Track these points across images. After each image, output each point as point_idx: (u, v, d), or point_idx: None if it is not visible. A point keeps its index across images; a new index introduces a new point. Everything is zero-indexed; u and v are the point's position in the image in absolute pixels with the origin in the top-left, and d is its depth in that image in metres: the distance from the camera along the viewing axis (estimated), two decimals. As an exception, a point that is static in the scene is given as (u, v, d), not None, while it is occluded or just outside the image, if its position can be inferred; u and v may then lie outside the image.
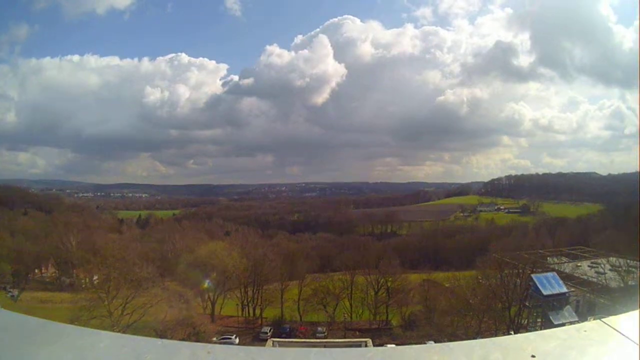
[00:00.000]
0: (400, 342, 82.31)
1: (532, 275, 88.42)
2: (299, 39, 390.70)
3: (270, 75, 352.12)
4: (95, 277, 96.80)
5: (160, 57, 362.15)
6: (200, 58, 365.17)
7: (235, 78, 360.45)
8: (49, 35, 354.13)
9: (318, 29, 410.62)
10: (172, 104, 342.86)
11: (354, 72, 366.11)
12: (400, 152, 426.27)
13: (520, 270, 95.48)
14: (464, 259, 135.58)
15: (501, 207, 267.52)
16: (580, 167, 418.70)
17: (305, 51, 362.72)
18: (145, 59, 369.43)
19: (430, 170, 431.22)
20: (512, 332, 74.20)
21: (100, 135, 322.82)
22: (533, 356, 3.88)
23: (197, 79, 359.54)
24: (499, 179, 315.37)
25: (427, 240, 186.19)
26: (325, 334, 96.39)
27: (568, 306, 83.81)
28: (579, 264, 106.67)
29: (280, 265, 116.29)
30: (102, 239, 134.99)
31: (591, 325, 4.53)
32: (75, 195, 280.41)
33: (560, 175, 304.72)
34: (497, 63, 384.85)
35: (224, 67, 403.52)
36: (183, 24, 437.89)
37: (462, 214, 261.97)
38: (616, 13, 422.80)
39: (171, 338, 62.42)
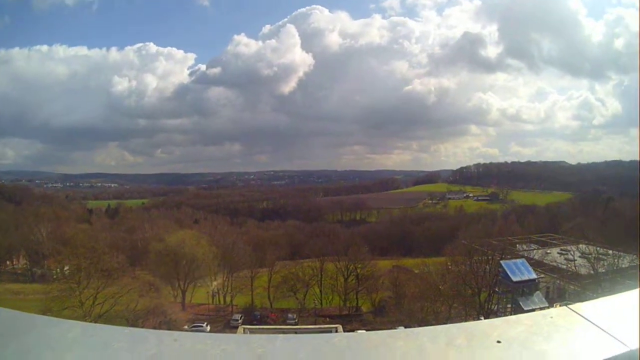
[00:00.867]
0: (370, 328, 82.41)
1: (502, 262, 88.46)
2: (266, 28, 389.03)
3: (237, 65, 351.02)
4: (66, 268, 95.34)
5: (129, 47, 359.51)
6: (169, 48, 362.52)
7: (203, 67, 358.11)
8: (18, 25, 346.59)
9: (286, 19, 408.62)
10: (140, 94, 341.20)
11: (322, 62, 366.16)
12: (368, 140, 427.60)
13: (490, 257, 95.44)
14: (433, 246, 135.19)
15: (470, 195, 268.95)
16: (549, 156, 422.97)
17: (273, 41, 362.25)
18: (114, 49, 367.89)
19: (398, 158, 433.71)
20: (482, 318, 74.77)
21: (68, 125, 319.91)
22: (498, 341, 3.92)
23: (165, 69, 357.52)
24: (467, 167, 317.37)
25: (396, 227, 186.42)
26: (296, 320, 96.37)
27: (538, 292, 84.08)
28: (548, 251, 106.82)
29: (249, 252, 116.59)
30: (71, 229, 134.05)
31: (557, 311, 4.53)
32: (45, 185, 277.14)
33: (529, 163, 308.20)
34: (464, 54, 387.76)
35: (192, 57, 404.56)
36: (151, 13, 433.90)
37: (430, 202, 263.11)
38: (586, 6, 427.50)
39: (142, 327, 62.12)
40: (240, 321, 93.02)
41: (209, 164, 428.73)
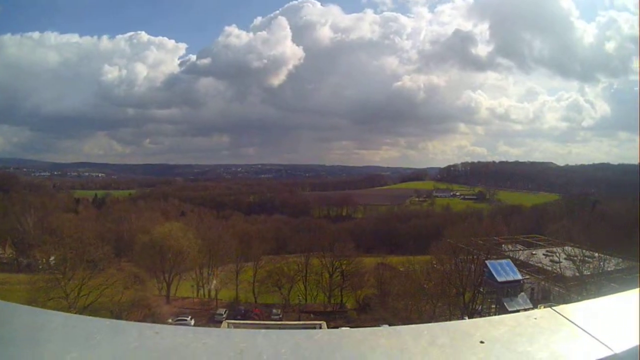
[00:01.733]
0: (354, 326, 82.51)
1: (487, 262, 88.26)
2: (258, 20, 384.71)
3: (227, 56, 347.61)
4: (52, 258, 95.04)
5: (120, 35, 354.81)
6: (160, 37, 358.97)
7: (193, 58, 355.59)
8: (10, 12, 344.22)
9: (278, 11, 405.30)
10: (130, 83, 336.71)
11: (312, 55, 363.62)
12: (357, 135, 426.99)
13: (475, 257, 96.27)
14: (418, 244, 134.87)
15: (457, 193, 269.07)
16: (537, 156, 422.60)
17: (264, 33, 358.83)
18: (105, 37, 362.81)
19: (386, 154, 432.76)
20: (467, 318, 74.81)
21: (57, 113, 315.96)
22: (482, 342, 3.88)
23: (156, 58, 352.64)
24: (455, 166, 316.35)
25: (382, 224, 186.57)
26: (280, 316, 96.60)
27: (522, 293, 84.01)
28: (534, 252, 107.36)
29: (235, 246, 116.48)
30: (58, 219, 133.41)
31: (541, 312, 4.49)
32: (32, 174, 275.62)
33: (517, 163, 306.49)
34: (455, 51, 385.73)
35: (183, 47, 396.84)
36: (144, 2, 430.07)
37: (417, 199, 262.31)
38: (578, 8, 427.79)
39: (127, 319, 62.10)
40: (224, 316, 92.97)
41: (197, 155, 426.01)
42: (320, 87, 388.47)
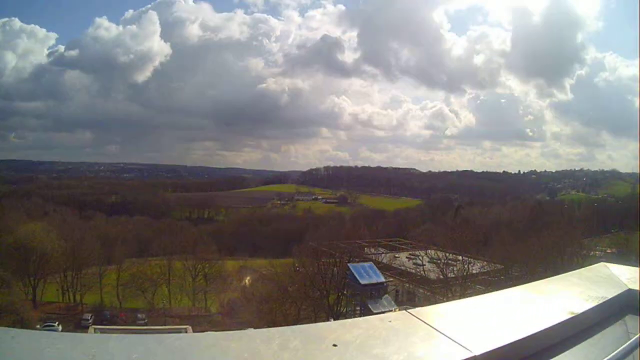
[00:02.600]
0: (220, 329, 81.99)
1: (349, 265, 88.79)
2: (129, 13, 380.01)
3: (95, 49, 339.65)
4: None
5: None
6: (32, 25, 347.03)
7: (62, 49, 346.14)
8: None
9: (149, 5, 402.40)
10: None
11: (179, 53, 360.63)
12: (220, 136, 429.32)
13: (337, 260, 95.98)
14: (281, 247, 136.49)
15: (319, 197, 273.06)
16: (400, 162, 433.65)
17: (134, 26, 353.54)
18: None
19: (248, 156, 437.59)
20: (332, 319, 75.22)
21: None
22: (335, 345, 3.78)
23: (26, 47, 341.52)
24: (317, 169, 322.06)
25: (244, 226, 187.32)
26: (146, 320, 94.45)
27: (387, 295, 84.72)
28: (397, 255, 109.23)
29: (98, 248, 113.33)
30: None
31: (396, 315, 4.60)
32: None
33: (379, 169, 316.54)
34: (321, 56, 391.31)
35: (53, 36, 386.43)
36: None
37: (279, 202, 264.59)
38: (450, 21, 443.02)
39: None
40: (90, 321, 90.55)
41: (60, 152, 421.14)
42: (185, 85, 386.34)
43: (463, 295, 74.14)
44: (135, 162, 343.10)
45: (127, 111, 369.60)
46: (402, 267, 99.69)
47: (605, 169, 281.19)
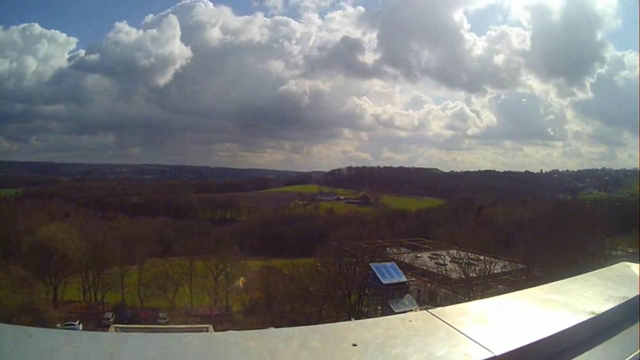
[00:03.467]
0: (241, 329, 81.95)
1: (371, 264, 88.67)
2: (149, 18, 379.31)
3: (116, 53, 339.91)
4: None
5: (14, 27, 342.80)
6: (53, 30, 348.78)
7: (82, 53, 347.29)
8: None
9: (169, 9, 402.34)
10: (19, 76, 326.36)
11: (200, 56, 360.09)
12: (242, 138, 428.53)
13: (359, 259, 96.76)
14: (303, 247, 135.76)
15: (341, 197, 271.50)
16: (422, 162, 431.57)
17: (154, 31, 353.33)
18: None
19: (271, 157, 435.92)
20: (353, 319, 75.01)
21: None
22: (354, 344, 3.71)
23: (47, 52, 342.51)
24: (339, 170, 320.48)
25: (266, 227, 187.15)
26: (167, 319, 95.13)
27: (408, 295, 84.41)
28: (419, 255, 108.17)
29: (120, 248, 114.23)
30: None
31: (417, 315, 4.50)
32: None
33: (401, 169, 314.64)
34: (341, 58, 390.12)
35: (73, 41, 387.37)
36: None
37: (301, 202, 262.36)
38: (470, 21, 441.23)
39: (17, 324, 60.03)
40: (112, 320, 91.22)
41: (82, 154, 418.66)
42: (206, 88, 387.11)
43: (484, 295, 73.78)
44: (157, 164, 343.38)
45: (149, 114, 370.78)
46: (424, 267, 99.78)
47: (627, 168, 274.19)
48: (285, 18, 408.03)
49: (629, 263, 6.56)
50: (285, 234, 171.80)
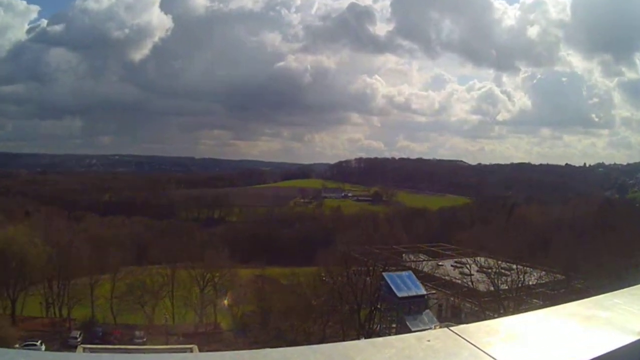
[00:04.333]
0: (232, 349, 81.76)
1: (384, 274, 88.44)
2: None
3: (84, 23, 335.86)
4: None
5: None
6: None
7: (44, 23, 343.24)
8: None
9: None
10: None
11: (182, 27, 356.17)
12: (232, 123, 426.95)
13: (371, 268, 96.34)
14: (304, 253, 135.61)
15: (349, 194, 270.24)
16: (444, 153, 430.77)
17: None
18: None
19: (266, 147, 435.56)
20: (363, 338, 74.92)
21: None
22: None
23: (2, 22, 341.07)
24: (347, 162, 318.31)
25: (261, 229, 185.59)
26: (144, 338, 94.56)
27: (427, 310, 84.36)
28: (440, 263, 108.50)
29: (89, 254, 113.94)
30: None
31: (437, 333, 4.38)
32: None
33: (420, 161, 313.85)
34: (348, 29, 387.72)
35: (35, 10, 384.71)
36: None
37: (302, 200, 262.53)
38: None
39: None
40: (79, 339, 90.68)
41: (45, 142, 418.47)
42: (190, 64, 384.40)
43: (517, 310, 73.81)
44: (133, 154, 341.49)
45: (123, 95, 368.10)
46: (446, 277, 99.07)
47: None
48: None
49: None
50: (284, 238, 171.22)
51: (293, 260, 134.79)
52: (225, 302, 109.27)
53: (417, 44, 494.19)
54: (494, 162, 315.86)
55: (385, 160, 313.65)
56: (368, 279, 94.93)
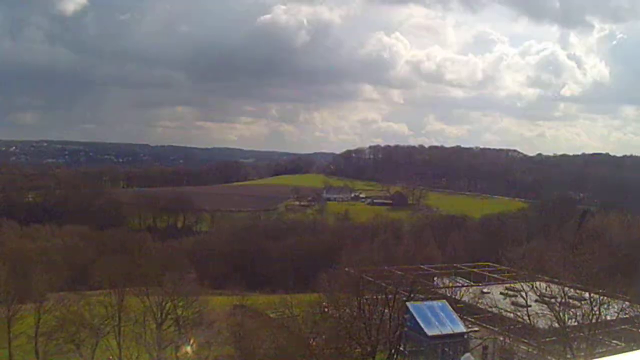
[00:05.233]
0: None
1: (409, 304, 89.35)
2: None
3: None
4: None
5: None
6: None
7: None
8: None
9: None
10: None
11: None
12: (200, 99, 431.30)
13: (390, 296, 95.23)
14: (299, 275, 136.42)
15: (360, 195, 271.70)
16: (490, 140, 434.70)
17: None
18: None
19: (247, 130, 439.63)
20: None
21: None
22: None
23: None
24: (358, 151, 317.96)
25: (240, 242, 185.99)
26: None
27: (468, 354, 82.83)
28: (485, 290, 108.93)
29: (6, 276, 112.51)
30: None
31: None
32: None
33: (457, 150, 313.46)
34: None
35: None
36: None
37: (298, 203, 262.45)
38: None
39: None
40: None
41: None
42: (141, 18, 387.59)
43: (590, 354, 74.11)
44: (65, 140, 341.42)
45: (51, 59, 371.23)
46: (494, 309, 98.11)
47: None
48: None
49: None
50: (272, 254, 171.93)
51: (284, 285, 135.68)
52: (192, 341, 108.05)
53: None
54: (558, 152, 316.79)
55: (411, 149, 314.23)
56: (387, 310, 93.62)
